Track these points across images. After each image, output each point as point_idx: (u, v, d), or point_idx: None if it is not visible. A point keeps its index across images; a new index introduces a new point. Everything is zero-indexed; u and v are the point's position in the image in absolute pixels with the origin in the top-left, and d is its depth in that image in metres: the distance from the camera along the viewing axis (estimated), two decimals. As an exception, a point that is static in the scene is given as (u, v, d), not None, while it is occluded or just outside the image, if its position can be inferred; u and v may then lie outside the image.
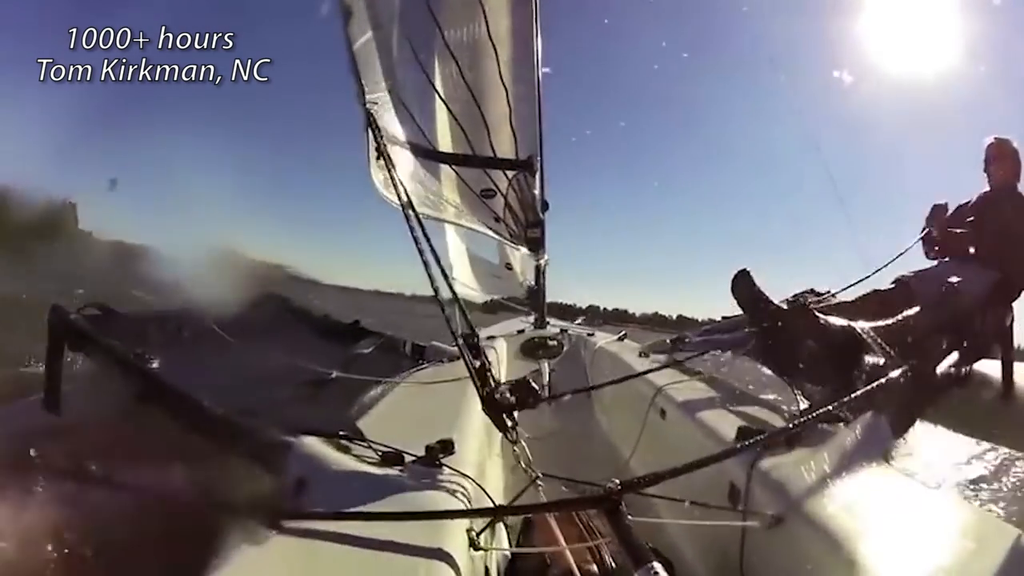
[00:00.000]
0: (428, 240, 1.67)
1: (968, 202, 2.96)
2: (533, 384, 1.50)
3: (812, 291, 2.94)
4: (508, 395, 1.44)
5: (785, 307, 2.25)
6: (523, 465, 1.47)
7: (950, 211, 2.95)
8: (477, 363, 1.43)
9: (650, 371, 2.57)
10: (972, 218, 2.84)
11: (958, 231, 2.82)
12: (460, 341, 1.51)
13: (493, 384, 1.42)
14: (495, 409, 1.41)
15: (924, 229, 2.90)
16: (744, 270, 2.26)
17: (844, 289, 2.61)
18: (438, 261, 1.67)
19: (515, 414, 1.46)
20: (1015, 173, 2.84)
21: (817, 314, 2.25)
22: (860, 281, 2.59)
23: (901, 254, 2.79)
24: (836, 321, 2.24)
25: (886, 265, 2.70)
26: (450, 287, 1.69)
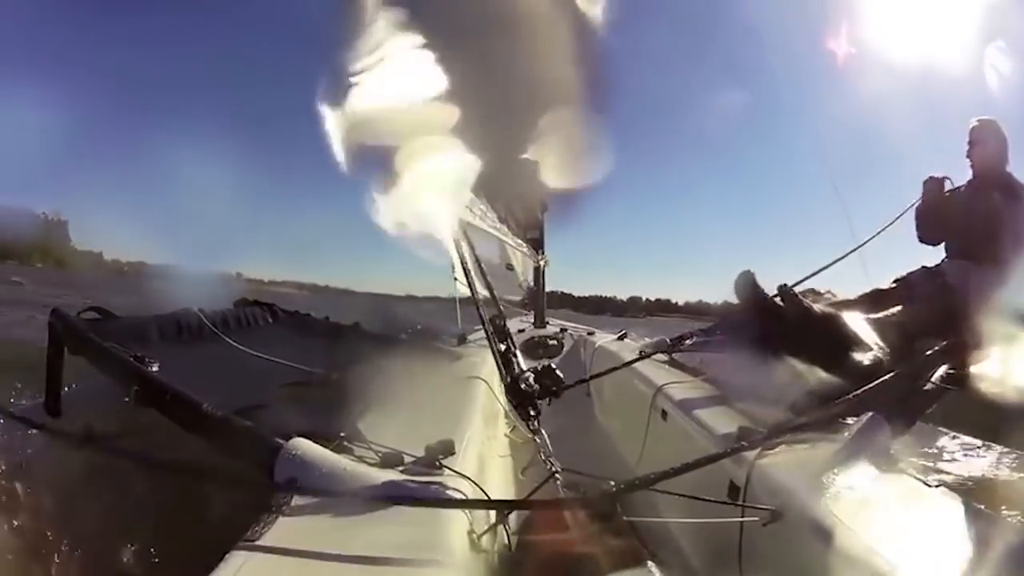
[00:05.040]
0: (469, 240, 1.81)
1: (959, 188, 2.91)
2: (558, 372, 1.49)
3: (813, 290, 2.94)
4: (532, 382, 1.42)
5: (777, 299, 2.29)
6: (542, 457, 1.44)
7: (946, 188, 2.91)
8: (502, 347, 1.42)
9: (645, 356, 2.61)
10: (964, 209, 2.79)
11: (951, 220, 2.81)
12: (488, 326, 1.52)
13: (517, 371, 1.40)
14: (519, 396, 1.39)
15: (916, 201, 2.86)
16: (747, 271, 2.36)
17: (828, 266, 2.73)
18: (474, 255, 1.80)
19: (532, 403, 1.45)
20: (998, 155, 2.76)
21: (802, 300, 2.31)
22: (843, 257, 2.71)
23: (891, 224, 2.83)
24: (821, 308, 2.28)
25: (871, 239, 2.78)
26: (484, 277, 1.80)
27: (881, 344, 2.05)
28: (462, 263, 1.85)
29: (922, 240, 2.94)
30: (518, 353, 1.62)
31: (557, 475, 1.36)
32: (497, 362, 1.46)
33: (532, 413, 1.42)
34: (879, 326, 2.22)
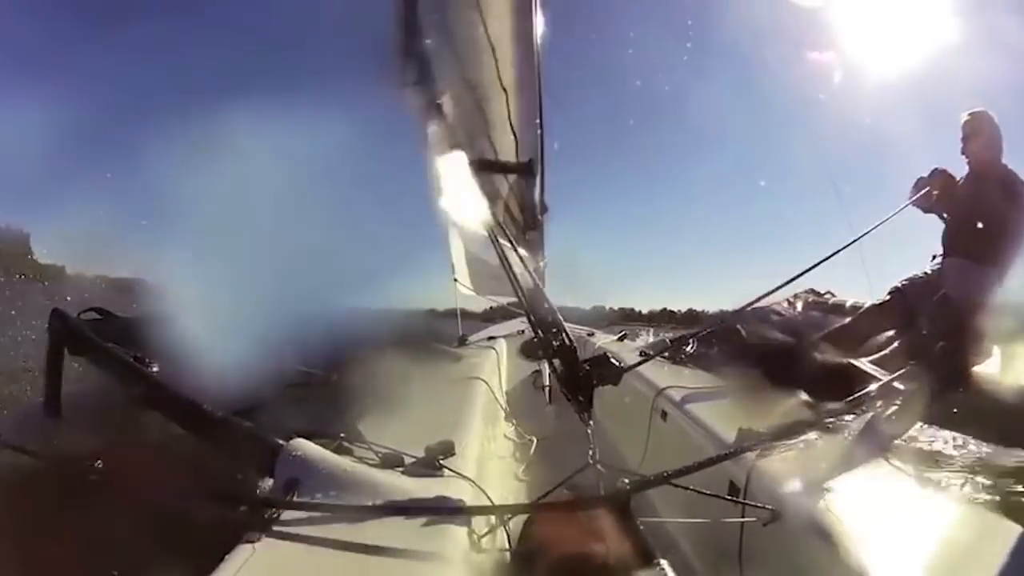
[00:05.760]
0: (512, 244, 1.78)
1: (958, 181, 2.86)
2: (613, 359, 1.45)
3: (812, 291, 2.94)
4: (590, 373, 1.38)
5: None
6: (589, 451, 1.39)
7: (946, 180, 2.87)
8: (561, 340, 1.40)
9: (648, 358, 2.62)
10: (963, 205, 2.76)
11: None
12: (532, 318, 1.52)
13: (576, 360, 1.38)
14: (579, 388, 1.37)
15: (922, 191, 2.79)
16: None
17: (826, 259, 2.62)
18: (521, 259, 1.78)
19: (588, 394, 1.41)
20: (994, 146, 2.71)
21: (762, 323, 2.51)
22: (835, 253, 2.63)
23: (899, 211, 2.67)
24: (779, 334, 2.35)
25: (857, 239, 2.65)
26: (532, 276, 1.76)
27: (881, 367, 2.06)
28: (504, 262, 1.78)
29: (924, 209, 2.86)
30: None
31: (599, 467, 1.33)
32: (548, 358, 1.43)
33: (583, 403, 1.38)
34: (877, 346, 2.24)
